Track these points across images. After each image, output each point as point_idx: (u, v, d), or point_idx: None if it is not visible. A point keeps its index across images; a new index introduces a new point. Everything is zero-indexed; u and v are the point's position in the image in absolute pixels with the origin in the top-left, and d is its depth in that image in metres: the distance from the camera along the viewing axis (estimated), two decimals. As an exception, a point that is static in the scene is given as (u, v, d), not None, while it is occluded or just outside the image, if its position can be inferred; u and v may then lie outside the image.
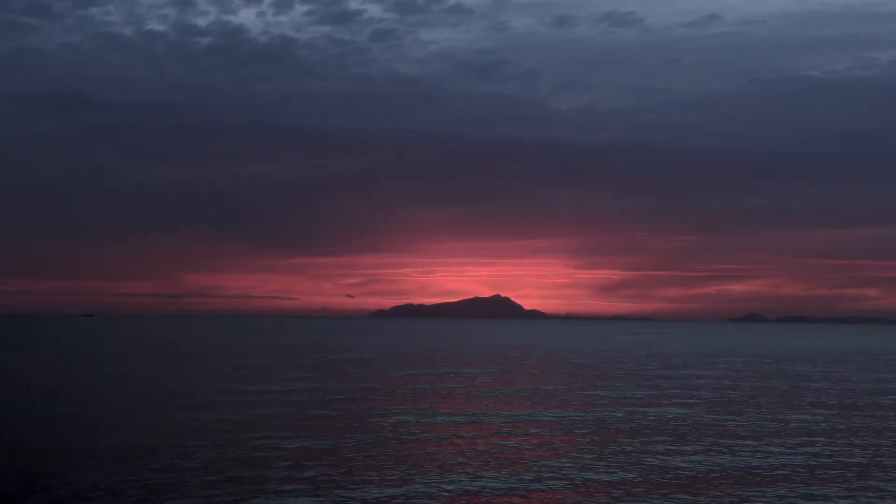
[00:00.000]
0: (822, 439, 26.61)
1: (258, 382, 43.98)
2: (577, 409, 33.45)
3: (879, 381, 52.49)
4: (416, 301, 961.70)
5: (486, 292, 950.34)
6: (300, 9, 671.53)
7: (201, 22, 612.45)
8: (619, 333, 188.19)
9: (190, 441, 24.39)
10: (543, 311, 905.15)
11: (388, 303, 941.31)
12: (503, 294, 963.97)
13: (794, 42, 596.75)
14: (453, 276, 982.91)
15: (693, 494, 18.49)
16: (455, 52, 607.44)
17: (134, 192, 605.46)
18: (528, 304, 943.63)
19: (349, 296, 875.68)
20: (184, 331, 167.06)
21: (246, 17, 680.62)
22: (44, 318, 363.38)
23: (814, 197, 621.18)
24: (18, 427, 27.42)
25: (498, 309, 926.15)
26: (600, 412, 32.67)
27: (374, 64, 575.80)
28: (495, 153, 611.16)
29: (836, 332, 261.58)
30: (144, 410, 31.83)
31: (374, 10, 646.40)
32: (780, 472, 21.17)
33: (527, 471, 20.65)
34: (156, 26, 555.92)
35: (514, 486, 19.11)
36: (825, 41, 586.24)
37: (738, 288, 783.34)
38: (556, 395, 39.55)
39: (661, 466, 21.57)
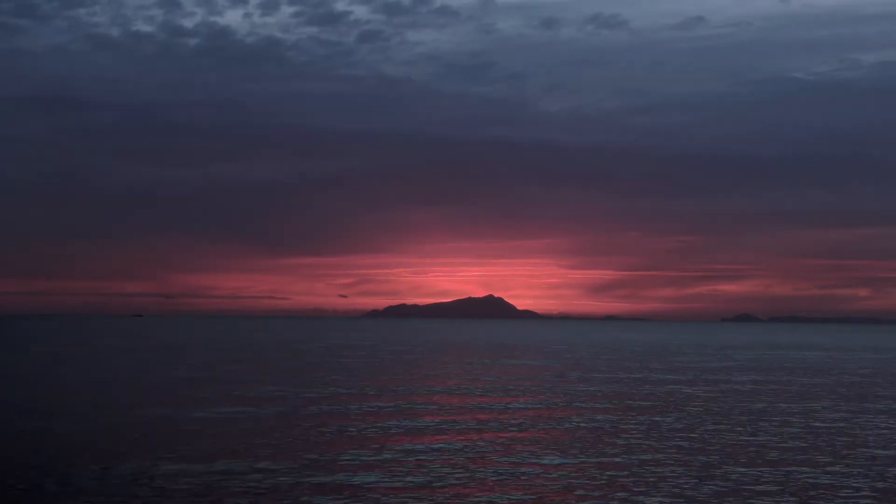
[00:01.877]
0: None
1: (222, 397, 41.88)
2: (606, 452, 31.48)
3: None
4: (410, 301, 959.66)
5: (479, 292, 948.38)
6: (287, 10, 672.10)
7: (188, 23, 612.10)
8: (618, 332, 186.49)
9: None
10: (536, 311, 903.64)
11: (381, 303, 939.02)
12: (496, 294, 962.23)
13: (779, 44, 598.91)
14: (446, 276, 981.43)
15: None
16: (442, 53, 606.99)
17: (123, 193, 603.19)
18: (520, 304, 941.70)
19: (342, 296, 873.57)
20: (154, 331, 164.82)
21: (233, 18, 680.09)
22: (24, 319, 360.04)
23: (803, 197, 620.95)
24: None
25: (491, 309, 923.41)
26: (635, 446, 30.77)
27: (361, 65, 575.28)
28: (484, 154, 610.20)
29: (839, 332, 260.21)
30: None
31: (361, 12, 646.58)
32: None
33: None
34: (143, 27, 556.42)
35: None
36: (810, 43, 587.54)
37: (730, 288, 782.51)
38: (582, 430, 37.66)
39: None
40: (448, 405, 33.53)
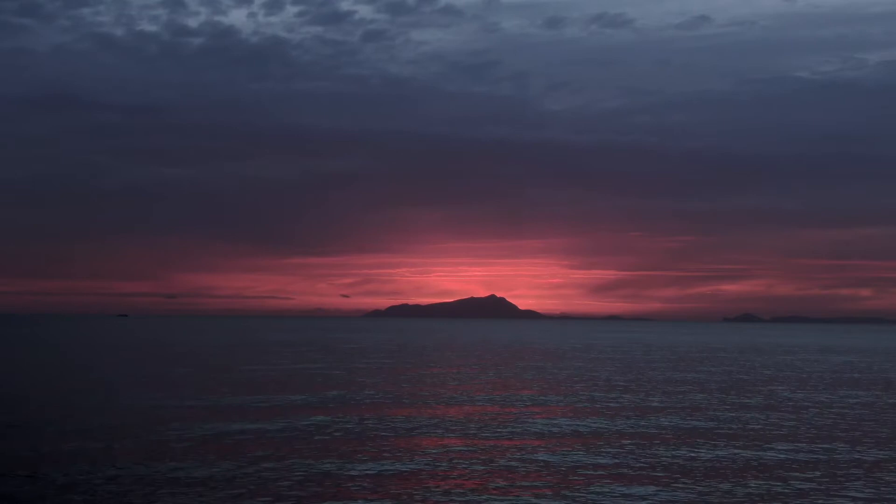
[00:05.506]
0: None
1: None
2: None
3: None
4: (412, 301, 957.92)
5: (481, 292, 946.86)
6: (291, 9, 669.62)
7: (192, 23, 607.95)
8: (639, 333, 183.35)
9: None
10: (538, 311, 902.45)
11: (383, 303, 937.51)
12: (498, 294, 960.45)
13: (783, 43, 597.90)
14: (448, 276, 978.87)
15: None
16: (447, 52, 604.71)
17: (127, 193, 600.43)
18: (523, 304, 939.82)
19: (344, 296, 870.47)
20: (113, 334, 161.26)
21: (237, 17, 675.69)
22: (20, 319, 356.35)
23: (806, 197, 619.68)
24: None
25: (493, 309, 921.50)
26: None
27: (365, 64, 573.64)
28: (488, 153, 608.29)
29: (848, 332, 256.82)
30: None
31: (365, 11, 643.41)
32: None
33: None
34: (147, 27, 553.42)
35: None
36: (815, 42, 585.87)
37: (732, 288, 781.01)
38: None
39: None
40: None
